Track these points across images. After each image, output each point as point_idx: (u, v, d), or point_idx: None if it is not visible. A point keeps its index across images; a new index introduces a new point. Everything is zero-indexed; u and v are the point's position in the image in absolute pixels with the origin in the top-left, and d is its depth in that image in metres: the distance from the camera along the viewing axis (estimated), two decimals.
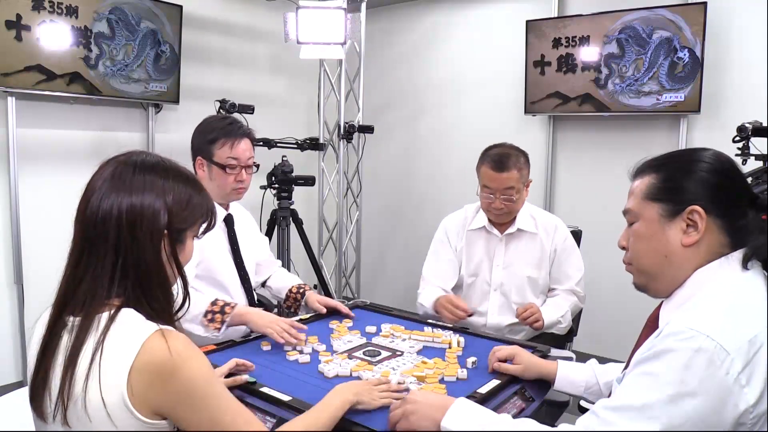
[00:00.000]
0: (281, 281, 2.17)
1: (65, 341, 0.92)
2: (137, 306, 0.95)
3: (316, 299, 2.00)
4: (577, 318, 2.36)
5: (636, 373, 0.94)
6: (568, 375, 1.41)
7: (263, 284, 2.20)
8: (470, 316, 1.97)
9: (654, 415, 0.88)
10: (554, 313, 2.00)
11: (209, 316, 1.69)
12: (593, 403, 1.22)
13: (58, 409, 0.89)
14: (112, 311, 0.92)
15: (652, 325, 1.09)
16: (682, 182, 1.05)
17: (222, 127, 1.92)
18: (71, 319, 0.94)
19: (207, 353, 1.49)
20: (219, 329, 1.68)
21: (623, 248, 1.15)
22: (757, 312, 0.93)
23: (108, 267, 0.93)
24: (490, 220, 2.14)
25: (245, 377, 1.36)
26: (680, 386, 0.87)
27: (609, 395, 1.29)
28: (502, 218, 2.11)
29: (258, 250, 2.15)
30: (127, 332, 0.91)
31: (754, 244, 0.99)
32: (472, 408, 1.13)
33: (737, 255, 1.01)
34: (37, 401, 0.94)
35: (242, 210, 2.14)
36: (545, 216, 2.19)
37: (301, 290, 2.07)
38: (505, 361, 1.46)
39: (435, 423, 1.11)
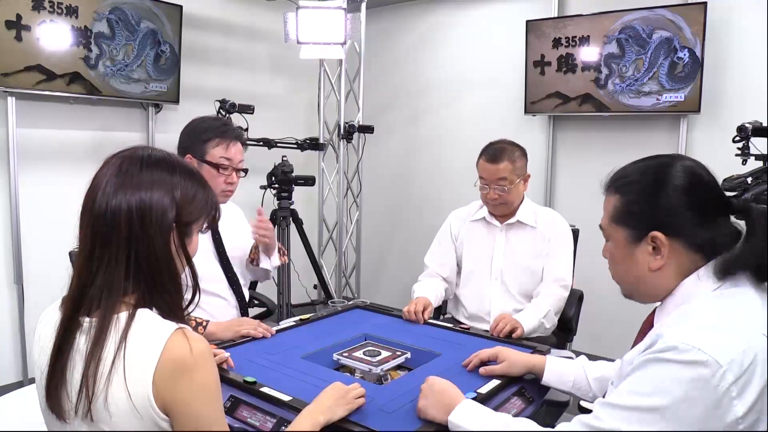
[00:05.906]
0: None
1: (81, 342, 0.92)
2: (151, 302, 0.96)
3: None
4: (576, 318, 2.35)
5: (632, 379, 0.94)
6: (557, 369, 1.42)
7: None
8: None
9: (643, 418, 0.89)
10: (533, 317, 1.97)
11: None
12: (592, 402, 1.24)
13: (80, 406, 0.89)
14: (130, 311, 0.93)
15: (647, 329, 1.10)
16: (644, 207, 1.05)
17: (217, 127, 1.93)
18: (86, 319, 0.93)
19: None
20: None
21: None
22: (746, 322, 0.92)
23: (122, 259, 0.93)
24: (490, 212, 2.22)
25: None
26: (672, 395, 0.87)
27: (601, 393, 1.32)
28: (498, 209, 2.19)
29: (247, 241, 2.12)
30: (149, 331, 0.91)
31: (726, 257, 0.98)
32: (477, 408, 1.19)
33: (711, 267, 1.00)
34: (54, 401, 0.93)
35: (229, 205, 2.11)
36: (546, 212, 2.26)
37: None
38: (488, 362, 1.48)
39: (442, 415, 1.18)
